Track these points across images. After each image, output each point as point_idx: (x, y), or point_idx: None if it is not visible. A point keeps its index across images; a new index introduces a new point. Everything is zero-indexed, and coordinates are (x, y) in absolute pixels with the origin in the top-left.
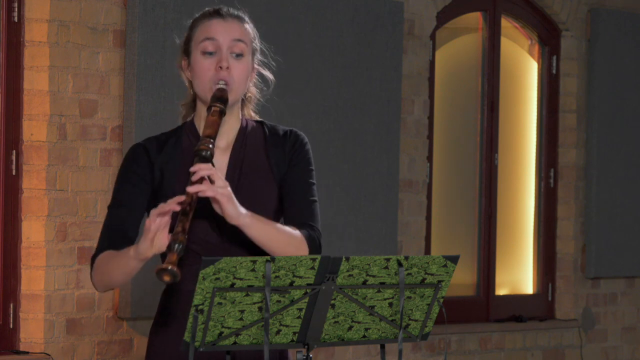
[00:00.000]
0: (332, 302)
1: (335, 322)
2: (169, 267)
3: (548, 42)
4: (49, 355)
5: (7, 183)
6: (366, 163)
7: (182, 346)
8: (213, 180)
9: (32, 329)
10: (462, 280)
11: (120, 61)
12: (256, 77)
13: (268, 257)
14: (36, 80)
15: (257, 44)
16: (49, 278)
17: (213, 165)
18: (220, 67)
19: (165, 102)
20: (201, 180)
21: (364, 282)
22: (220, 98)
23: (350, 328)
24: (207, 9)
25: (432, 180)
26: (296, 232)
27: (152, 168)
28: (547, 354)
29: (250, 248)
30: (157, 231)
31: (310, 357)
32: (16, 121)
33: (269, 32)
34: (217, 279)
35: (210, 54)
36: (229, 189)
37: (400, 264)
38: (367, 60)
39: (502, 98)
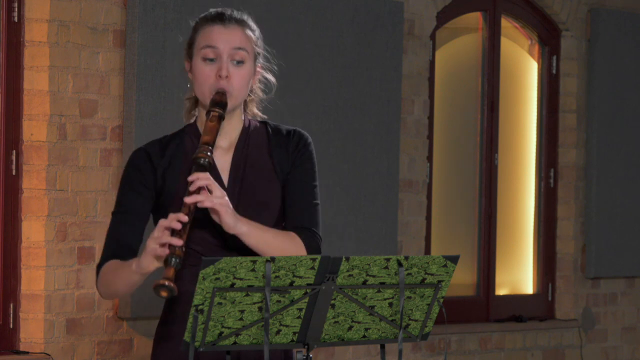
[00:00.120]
0: (332, 302)
1: (335, 322)
2: (166, 283)
3: (548, 42)
4: (49, 355)
5: (7, 183)
6: (366, 163)
7: (182, 346)
8: (211, 190)
9: (32, 329)
10: (462, 280)
11: (120, 61)
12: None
13: (268, 257)
14: (36, 80)
15: (259, 48)
16: (49, 278)
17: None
18: (220, 76)
19: (165, 102)
20: (199, 190)
21: (364, 282)
22: (219, 103)
23: (350, 328)
24: (210, 10)
25: (432, 180)
26: (295, 239)
27: (154, 173)
28: (547, 354)
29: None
30: (157, 248)
31: (310, 357)
32: (16, 121)
33: (269, 32)
34: (217, 279)
35: (212, 60)
36: (227, 198)
37: (400, 264)
38: (367, 60)
39: (502, 98)
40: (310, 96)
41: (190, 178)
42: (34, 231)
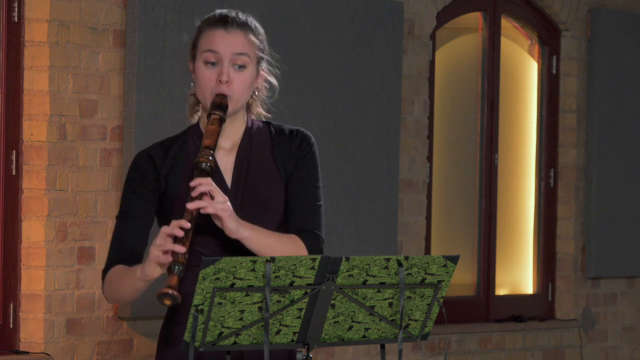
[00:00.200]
0: (332, 302)
1: (335, 322)
2: (169, 292)
3: (548, 42)
4: (49, 355)
5: (7, 183)
6: (366, 163)
7: (182, 346)
8: (213, 196)
9: (32, 329)
10: (462, 280)
11: (120, 61)
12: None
13: (268, 257)
14: (36, 80)
15: (264, 52)
16: (49, 278)
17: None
18: (220, 81)
19: (165, 102)
20: (201, 195)
21: (364, 282)
22: (220, 105)
23: (350, 328)
24: (215, 12)
25: (432, 180)
26: (298, 243)
27: (157, 176)
28: (547, 354)
29: None
30: (159, 256)
31: (310, 357)
32: (16, 121)
33: (269, 32)
34: (217, 279)
35: (213, 64)
36: (229, 203)
37: (400, 264)
38: (367, 60)
39: (502, 98)
40: (310, 96)
41: (192, 183)
42: (34, 231)
